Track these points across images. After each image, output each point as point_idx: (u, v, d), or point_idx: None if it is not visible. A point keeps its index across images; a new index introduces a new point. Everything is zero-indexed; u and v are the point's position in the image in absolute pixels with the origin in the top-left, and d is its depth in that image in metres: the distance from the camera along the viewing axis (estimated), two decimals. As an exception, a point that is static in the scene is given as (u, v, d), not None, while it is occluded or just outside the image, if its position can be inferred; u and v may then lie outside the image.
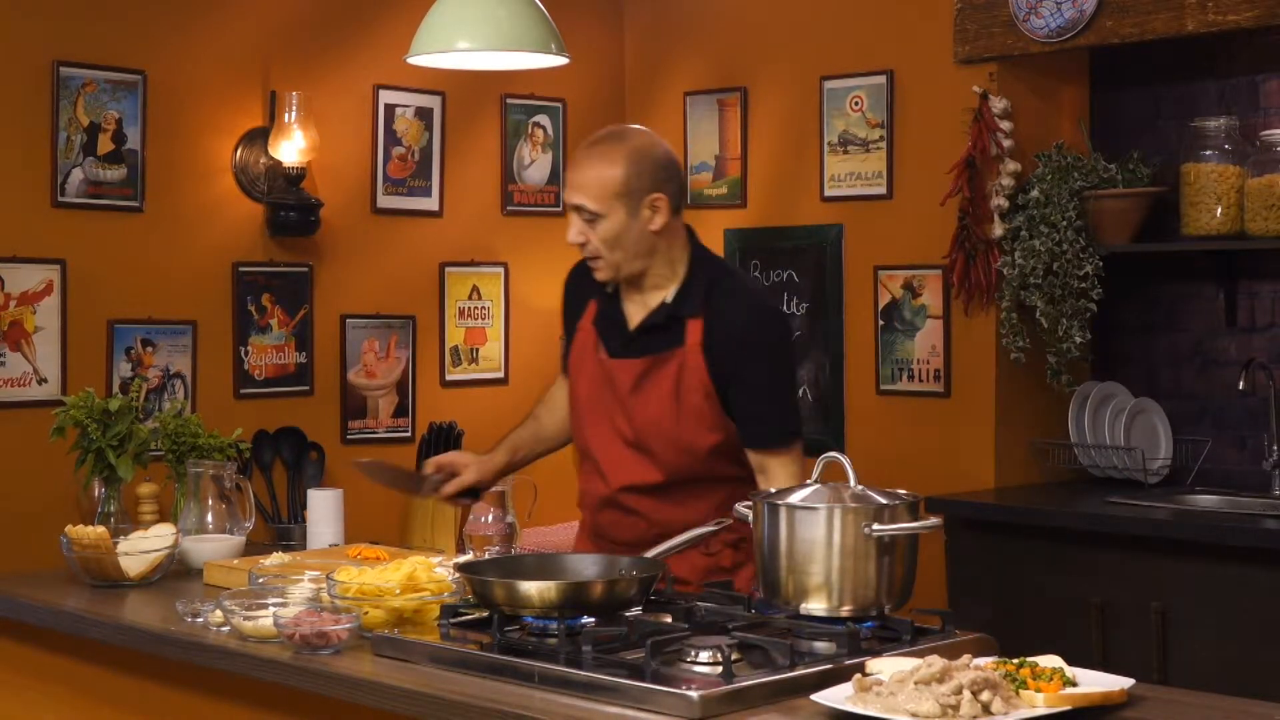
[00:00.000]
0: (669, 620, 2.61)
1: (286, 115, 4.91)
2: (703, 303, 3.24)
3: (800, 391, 5.42)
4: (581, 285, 3.44)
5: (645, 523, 3.28)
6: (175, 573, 3.35)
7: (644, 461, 3.26)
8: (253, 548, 3.54)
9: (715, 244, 5.62)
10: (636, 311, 3.31)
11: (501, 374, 5.58)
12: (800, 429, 3.28)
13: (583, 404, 3.36)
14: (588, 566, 2.76)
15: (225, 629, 2.79)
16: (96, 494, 3.61)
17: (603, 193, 3.18)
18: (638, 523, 3.30)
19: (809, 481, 2.66)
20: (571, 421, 3.45)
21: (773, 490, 2.76)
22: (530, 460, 3.62)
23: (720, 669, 2.30)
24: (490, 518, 3.47)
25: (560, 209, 5.71)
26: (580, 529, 3.51)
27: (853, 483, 2.62)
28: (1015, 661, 2.29)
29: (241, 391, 4.97)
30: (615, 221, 3.19)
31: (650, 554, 2.92)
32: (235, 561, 3.33)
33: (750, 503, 2.70)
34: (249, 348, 4.99)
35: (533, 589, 2.52)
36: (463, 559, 3.00)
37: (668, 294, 3.28)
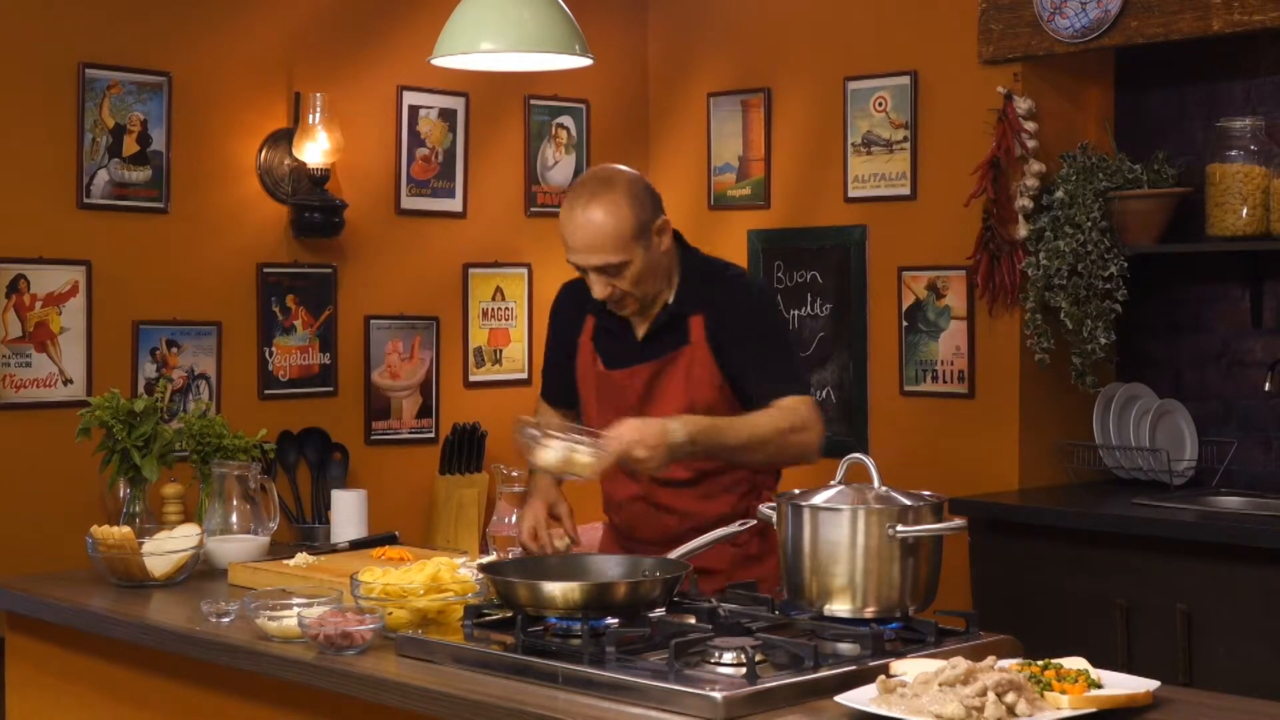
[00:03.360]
0: (692, 621, 2.61)
1: (311, 117, 4.92)
2: (702, 297, 3.28)
3: (824, 393, 5.42)
4: (573, 302, 3.45)
5: (676, 518, 3.30)
6: (200, 573, 3.36)
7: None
8: (277, 548, 3.54)
9: (739, 245, 5.62)
10: (639, 321, 3.33)
11: (525, 375, 5.57)
12: (807, 383, 3.33)
13: (594, 413, 3.37)
14: (611, 567, 2.76)
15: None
16: (122, 494, 3.62)
17: (621, 242, 3.16)
18: (668, 519, 3.31)
19: (833, 483, 2.66)
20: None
21: (797, 492, 2.75)
22: None
23: (744, 670, 2.30)
24: (513, 518, 3.48)
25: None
26: (605, 532, 3.51)
27: (877, 484, 2.62)
28: (1040, 663, 2.28)
29: (266, 392, 4.98)
30: (639, 261, 3.20)
31: (674, 554, 2.92)
32: (259, 562, 3.34)
33: (774, 503, 2.70)
34: (273, 349, 5.00)
35: (556, 590, 2.53)
36: (486, 559, 3.00)
37: (668, 297, 3.30)
